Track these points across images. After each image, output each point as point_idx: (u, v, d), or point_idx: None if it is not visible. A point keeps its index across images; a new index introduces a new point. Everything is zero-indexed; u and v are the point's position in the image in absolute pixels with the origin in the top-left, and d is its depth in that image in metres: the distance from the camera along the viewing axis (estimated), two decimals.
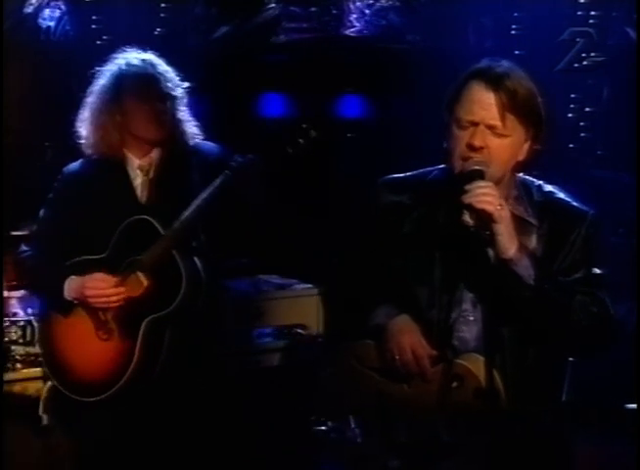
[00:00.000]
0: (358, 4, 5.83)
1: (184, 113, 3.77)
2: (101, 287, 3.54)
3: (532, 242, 2.85)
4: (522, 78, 2.84)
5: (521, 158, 2.86)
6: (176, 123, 3.73)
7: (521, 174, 2.96)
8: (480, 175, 2.75)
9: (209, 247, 3.63)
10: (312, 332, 4.65)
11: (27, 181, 4.41)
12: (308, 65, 5.96)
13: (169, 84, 3.72)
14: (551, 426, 2.82)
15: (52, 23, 5.51)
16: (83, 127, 3.75)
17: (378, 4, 5.81)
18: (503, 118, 2.76)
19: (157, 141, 3.68)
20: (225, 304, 3.87)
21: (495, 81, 2.78)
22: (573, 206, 2.93)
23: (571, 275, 2.84)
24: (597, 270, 2.87)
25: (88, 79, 3.83)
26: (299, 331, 4.67)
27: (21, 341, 3.36)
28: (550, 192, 2.95)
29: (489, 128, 2.76)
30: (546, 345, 2.83)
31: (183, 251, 3.54)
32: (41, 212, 3.79)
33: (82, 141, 3.75)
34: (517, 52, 5.67)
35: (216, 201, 3.50)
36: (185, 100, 3.79)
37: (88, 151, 3.74)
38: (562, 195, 2.95)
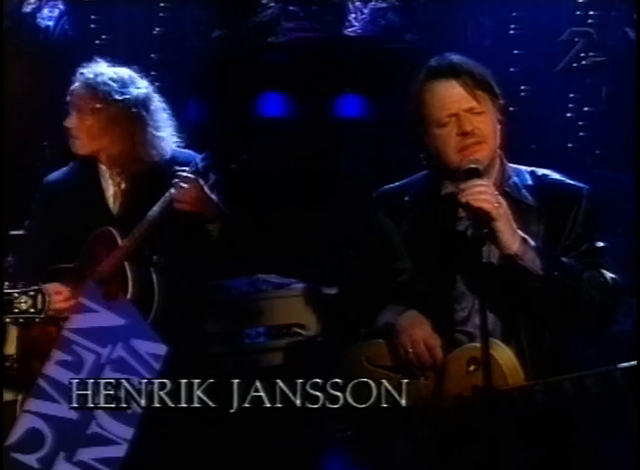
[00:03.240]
0: (358, 4, 5.83)
1: (156, 126, 3.74)
2: (54, 300, 3.56)
3: (534, 223, 2.91)
4: (469, 60, 3.01)
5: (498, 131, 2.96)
6: (147, 141, 3.71)
7: (513, 165, 3.04)
8: (476, 173, 2.81)
9: (172, 260, 3.62)
10: (311, 331, 4.65)
11: (26, 181, 4.41)
12: (308, 64, 5.96)
13: (137, 102, 3.69)
14: (569, 404, 2.83)
15: (51, 23, 5.51)
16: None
17: (377, 4, 5.81)
18: (475, 97, 2.90)
19: (127, 163, 3.68)
20: (197, 314, 3.81)
21: (451, 70, 2.93)
22: (569, 184, 3.01)
23: (576, 249, 2.90)
24: (600, 243, 2.95)
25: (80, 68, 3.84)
26: (298, 330, 4.67)
27: (32, 310, 3.39)
28: (544, 175, 3.03)
29: (468, 111, 2.88)
30: (561, 326, 2.89)
31: (138, 263, 3.54)
32: (26, 223, 3.83)
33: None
34: (516, 51, 5.67)
35: (167, 216, 3.50)
36: (159, 111, 3.76)
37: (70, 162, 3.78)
38: (556, 176, 3.03)
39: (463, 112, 2.87)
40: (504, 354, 2.81)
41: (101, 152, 3.69)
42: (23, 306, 3.37)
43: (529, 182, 2.99)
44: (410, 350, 2.88)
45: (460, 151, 2.87)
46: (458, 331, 2.91)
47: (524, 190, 2.97)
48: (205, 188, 3.53)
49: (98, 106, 3.67)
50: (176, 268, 3.62)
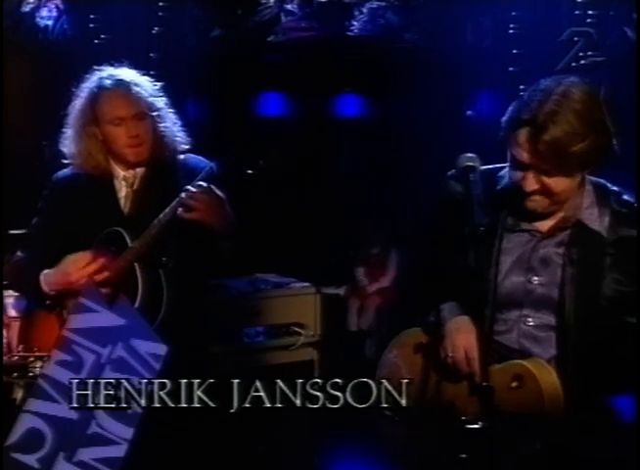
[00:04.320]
0: (357, 3, 5.84)
1: (166, 126, 3.72)
2: (81, 266, 3.52)
3: (603, 254, 2.76)
4: (570, 110, 2.63)
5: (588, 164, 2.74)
6: (158, 139, 3.69)
7: (594, 178, 2.84)
8: (472, 171, 2.72)
9: (181, 262, 3.61)
10: (310, 330, 4.66)
11: (26, 180, 4.41)
12: (308, 64, 5.97)
13: (147, 101, 3.66)
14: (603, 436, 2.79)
15: (50, 22, 5.52)
16: (68, 146, 3.73)
17: (377, 3, 5.82)
18: (552, 163, 2.65)
19: (138, 163, 3.67)
20: (202, 315, 3.81)
21: (536, 130, 2.63)
22: None
23: None
24: None
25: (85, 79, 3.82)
26: (297, 330, 4.67)
27: None
28: (628, 202, 2.82)
29: (542, 172, 2.67)
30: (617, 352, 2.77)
31: (148, 265, 3.53)
32: (33, 220, 3.80)
33: (68, 160, 3.74)
34: (515, 51, 5.69)
35: (179, 219, 3.49)
36: (167, 111, 3.75)
37: (76, 169, 3.73)
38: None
39: (536, 170, 2.67)
40: (547, 377, 2.72)
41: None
42: (38, 372, 3.39)
43: (614, 206, 2.79)
44: (450, 354, 2.83)
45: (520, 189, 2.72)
46: (495, 342, 2.80)
47: (600, 219, 2.78)
48: (226, 203, 3.51)
49: (142, 111, 3.64)
50: (185, 270, 3.61)
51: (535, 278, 2.81)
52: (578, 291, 2.76)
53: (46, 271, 3.61)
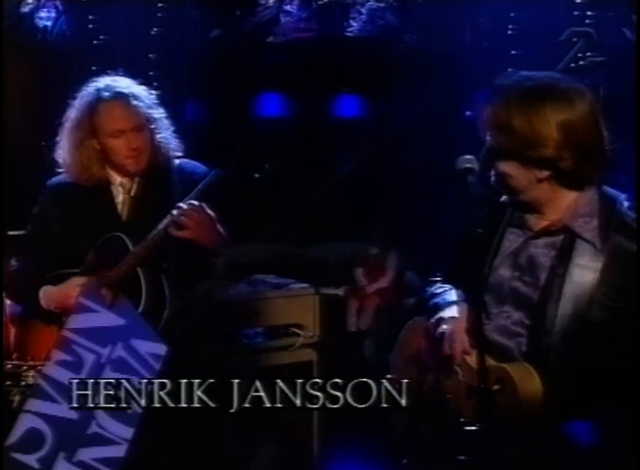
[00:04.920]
0: (356, 4, 5.84)
1: (163, 136, 3.73)
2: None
3: (589, 265, 2.69)
4: (527, 106, 2.71)
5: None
6: (155, 150, 3.69)
7: (608, 188, 2.81)
8: (470, 173, 2.72)
9: (181, 267, 3.61)
10: (309, 331, 4.65)
11: (26, 181, 4.41)
12: (307, 64, 5.97)
13: (145, 112, 3.67)
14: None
15: (49, 23, 5.52)
16: (63, 157, 3.72)
17: (375, 4, 5.82)
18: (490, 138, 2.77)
19: (136, 173, 3.67)
20: (205, 319, 3.82)
21: (491, 101, 2.83)
22: None
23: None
24: None
25: (85, 79, 3.82)
26: (296, 330, 4.66)
27: None
28: (635, 217, 2.74)
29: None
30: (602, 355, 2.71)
31: (150, 269, 3.53)
32: (28, 226, 3.80)
33: (64, 170, 3.73)
34: (514, 52, 5.69)
35: (168, 237, 3.49)
36: (163, 120, 3.75)
37: (72, 178, 3.73)
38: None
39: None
40: (528, 384, 2.69)
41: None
42: (31, 381, 3.39)
43: (614, 220, 2.72)
44: (435, 335, 2.82)
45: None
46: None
47: (595, 230, 2.72)
48: (216, 221, 3.51)
49: (141, 122, 3.63)
50: (184, 274, 3.61)
51: (520, 276, 2.80)
52: (563, 299, 2.71)
53: (46, 288, 3.60)
